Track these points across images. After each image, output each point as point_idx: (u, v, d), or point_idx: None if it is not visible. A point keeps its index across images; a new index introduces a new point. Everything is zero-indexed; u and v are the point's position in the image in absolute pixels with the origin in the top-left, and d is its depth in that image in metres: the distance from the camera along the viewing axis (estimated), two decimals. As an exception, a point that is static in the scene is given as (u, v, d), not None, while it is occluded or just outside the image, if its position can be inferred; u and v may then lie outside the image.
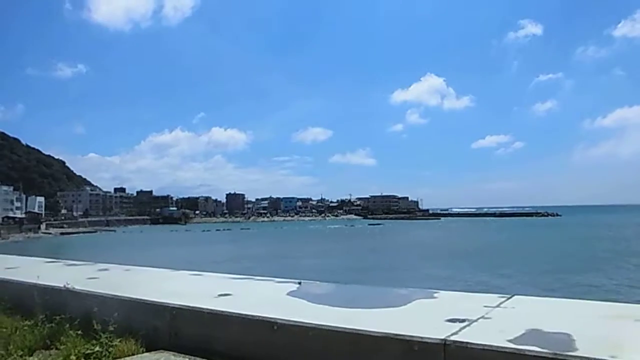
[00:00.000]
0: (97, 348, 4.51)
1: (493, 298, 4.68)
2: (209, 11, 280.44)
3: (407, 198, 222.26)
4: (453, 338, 3.36)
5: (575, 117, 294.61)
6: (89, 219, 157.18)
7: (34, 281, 6.10)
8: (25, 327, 5.30)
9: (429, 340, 3.37)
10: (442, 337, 3.36)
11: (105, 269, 7.81)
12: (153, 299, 5.10)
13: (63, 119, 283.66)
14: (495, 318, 3.92)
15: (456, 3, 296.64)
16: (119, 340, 4.60)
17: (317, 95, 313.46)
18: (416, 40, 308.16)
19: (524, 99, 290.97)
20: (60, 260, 9.59)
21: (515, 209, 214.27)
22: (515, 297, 4.73)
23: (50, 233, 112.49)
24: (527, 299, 4.72)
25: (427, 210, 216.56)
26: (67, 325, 4.94)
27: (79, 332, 4.77)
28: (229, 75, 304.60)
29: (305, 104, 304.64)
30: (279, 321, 4.07)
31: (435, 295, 5.00)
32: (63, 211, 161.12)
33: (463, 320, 3.80)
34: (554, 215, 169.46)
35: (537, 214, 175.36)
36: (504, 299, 4.60)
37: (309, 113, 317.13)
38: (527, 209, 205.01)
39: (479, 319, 3.88)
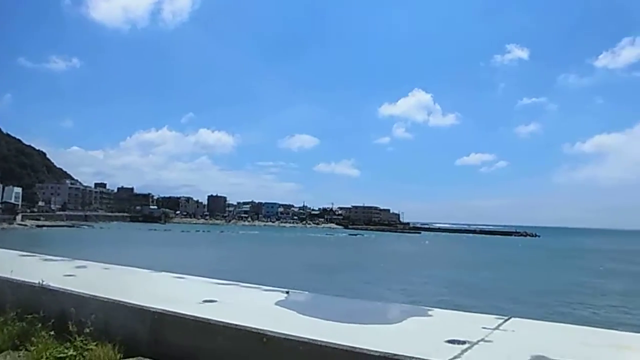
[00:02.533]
0: (71, 352, 4.23)
1: (490, 319, 4.50)
2: (206, 15, 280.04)
3: (389, 210, 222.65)
4: (456, 362, 3.17)
5: (557, 140, 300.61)
6: (67, 212, 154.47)
7: (7, 276, 5.77)
8: (-6, 325, 4.96)
9: (431, 363, 3.16)
10: (445, 361, 3.17)
11: (83, 266, 7.48)
12: (134, 301, 4.78)
13: (51, 112, 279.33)
14: (497, 341, 3.73)
15: (447, 23, 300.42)
16: (95, 344, 4.30)
17: (307, 103, 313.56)
18: (406, 56, 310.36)
19: (508, 120, 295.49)
20: (35, 254, 9.20)
21: (495, 227, 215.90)
22: (513, 319, 4.56)
23: (26, 225, 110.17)
24: (526, 322, 4.55)
25: (408, 223, 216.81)
26: (40, 325, 4.64)
27: (52, 333, 4.47)
28: (220, 77, 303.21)
29: (294, 111, 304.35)
30: (268, 333, 3.81)
31: (430, 313, 4.81)
32: (40, 203, 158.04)
33: (463, 342, 3.60)
34: (532, 236, 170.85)
35: (516, 234, 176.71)
36: (501, 321, 4.42)
37: (297, 120, 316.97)
38: (506, 227, 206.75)
39: (479, 341, 3.68)
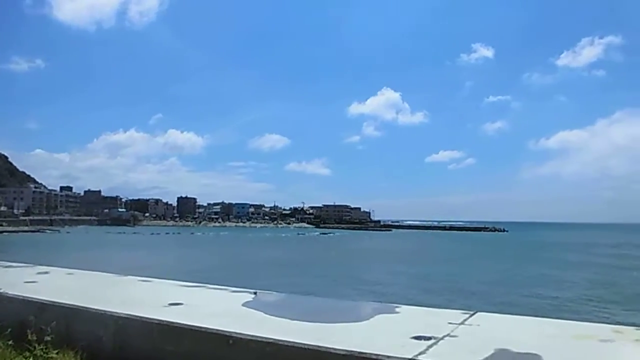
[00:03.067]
0: (31, 360, 4.10)
1: (456, 314, 4.54)
2: (174, 15, 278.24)
3: (360, 208, 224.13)
4: (421, 358, 3.18)
5: (522, 137, 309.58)
6: (31, 217, 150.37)
7: (-37, 285, 5.56)
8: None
9: (396, 360, 3.17)
10: (410, 357, 3.17)
11: (46, 272, 7.26)
12: (97, 306, 4.66)
13: (13, 113, 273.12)
14: (462, 336, 3.77)
15: (414, 23, 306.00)
16: (56, 352, 4.16)
17: (277, 103, 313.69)
18: (375, 55, 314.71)
19: (476, 117, 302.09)
20: (-5, 261, 8.90)
21: (465, 223, 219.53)
22: (479, 313, 4.61)
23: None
24: (491, 316, 4.61)
25: (379, 221, 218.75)
26: (-3, 335, 4.48)
27: (10, 342, 4.32)
28: (189, 78, 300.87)
29: (264, 111, 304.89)
30: (234, 335, 3.77)
31: (397, 309, 4.83)
32: (2, 208, 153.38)
33: (429, 338, 3.62)
34: (501, 231, 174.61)
35: (485, 229, 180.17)
36: (467, 316, 4.46)
37: (268, 120, 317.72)
38: (475, 223, 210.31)
39: (445, 336, 3.71)
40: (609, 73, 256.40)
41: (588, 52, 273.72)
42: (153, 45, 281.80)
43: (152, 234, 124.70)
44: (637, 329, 3.93)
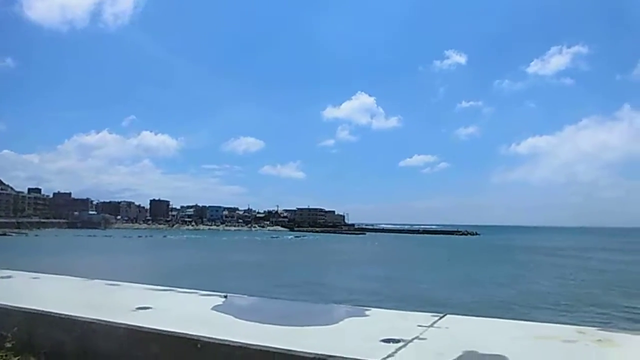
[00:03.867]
0: (-10, 368, 3.97)
1: (426, 317, 4.58)
2: (148, 17, 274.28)
3: (334, 212, 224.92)
4: (390, 360, 3.19)
5: (494, 142, 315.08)
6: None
7: None
8: None
9: (365, 363, 3.17)
10: (379, 360, 3.19)
11: (8, 276, 7.05)
12: (61, 311, 4.54)
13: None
14: (430, 339, 3.80)
15: (388, 29, 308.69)
16: (16, 358, 4.06)
17: (252, 106, 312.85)
18: (350, 60, 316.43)
19: (449, 122, 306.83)
20: (-44, 265, 8.62)
21: (438, 226, 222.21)
22: (448, 316, 4.66)
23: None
24: (460, 319, 4.66)
25: (353, 224, 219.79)
26: (-45, 341, 4.33)
27: (-32, 349, 4.19)
28: (163, 80, 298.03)
29: (239, 114, 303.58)
30: (203, 339, 3.72)
31: (367, 313, 4.84)
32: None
33: (398, 341, 3.64)
34: (472, 234, 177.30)
35: (457, 232, 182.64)
36: (437, 318, 4.51)
37: (242, 123, 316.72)
38: (448, 227, 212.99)
39: (413, 339, 3.74)
40: (577, 81, 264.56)
41: (557, 60, 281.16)
42: (127, 47, 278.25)
43: (124, 237, 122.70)
44: (599, 330, 4.04)
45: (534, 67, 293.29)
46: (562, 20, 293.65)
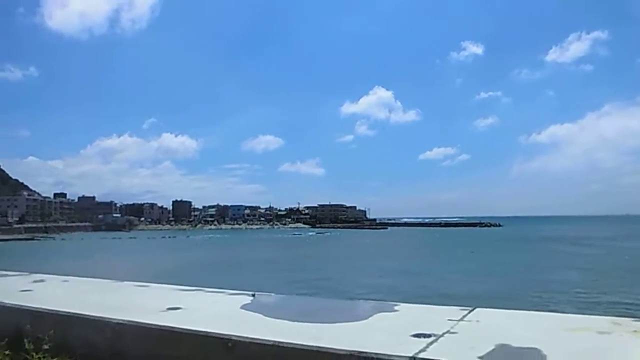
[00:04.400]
0: (29, 369, 4.06)
1: (455, 311, 4.53)
2: (165, 20, 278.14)
3: (355, 207, 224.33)
4: (422, 355, 3.16)
5: (513, 132, 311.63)
6: (26, 225, 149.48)
7: (-42, 294, 5.51)
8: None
9: (396, 358, 3.16)
10: (411, 355, 3.16)
11: (41, 280, 7.20)
12: (93, 313, 4.62)
13: (6, 121, 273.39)
14: (461, 333, 3.77)
15: (404, 22, 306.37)
16: (54, 360, 4.15)
17: (270, 104, 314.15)
18: (366, 55, 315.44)
19: (467, 114, 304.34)
20: (-11, 270, 8.83)
21: (459, 219, 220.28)
22: (477, 309, 4.60)
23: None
24: (490, 312, 4.60)
25: (375, 219, 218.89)
26: (-6, 345, 4.44)
27: (7, 352, 4.28)
28: (182, 82, 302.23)
29: (257, 112, 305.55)
30: (233, 338, 3.74)
31: (396, 308, 4.81)
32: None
33: (429, 336, 3.61)
34: (496, 226, 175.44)
35: (480, 224, 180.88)
36: (466, 312, 4.46)
37: (261, 121, 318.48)
38: (471, 219, 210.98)
39: (444, 333, 3.70)
40: (597, 67, 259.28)
41: (576, 47, 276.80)
42: (145, 50, 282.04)
43: (148, 238, 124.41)
44: (635, 320, 3.94)
45: (553, 55, 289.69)
46: (580, 6, 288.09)
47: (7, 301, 5.15)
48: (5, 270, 8.75)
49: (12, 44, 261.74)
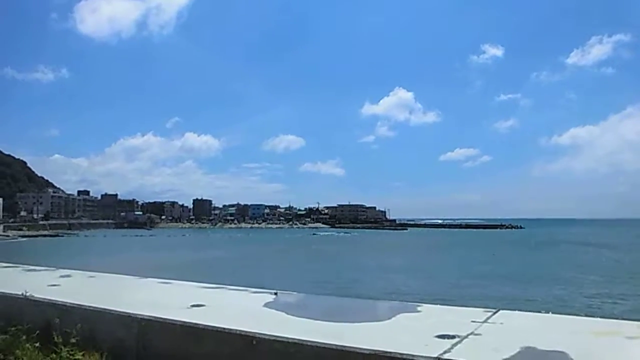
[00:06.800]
0: (57, 363, 4.16)
1: (479, 312, 4.51)
2: (190, 21, 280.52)
3: (375, 208, 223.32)
4: (447, 356, 3.16)
5: (534, 134, 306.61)
6: (50, 221, 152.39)
7: (-11, 288, 5.66)
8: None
9: (421, 359, 3.15)
10: (435, 356, 3.16)
11: (68, 275, 7.36)
12: (119, 308, 4.71)
13: (36, 121, 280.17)
14: (486, 334, 3.75)
15: (425, 24, 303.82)
16: (81, 353, 4.23)
17: (291, 104, 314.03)
18: (386, 56, 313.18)
19: (488, 116, 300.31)
20: (18, 265, 9.04)
21: (481, 220, 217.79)
22: (501, 311, 4.57)
23: (8, 235, 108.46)
24: (514, 314, 4.57)
25: (395, 220, 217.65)
26: (24, 337, 4.53)
27: (37, 344, 4.39)
28: (205, 82, 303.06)
29: (278, 112, 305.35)
30: (257, 335, 3.78)
31: (419, 308, 4.81)
32: (22, 213, 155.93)
33: (453, 337, 3.60)
34: (517, 228, 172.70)
35: (501, 226, 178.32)
36: (490, 314, 4.43)
37: (283, 121, 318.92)
38: (492, 221, 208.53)
39: (469, 335, 3.69)
40: (619, 70, 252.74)
41: (597, 50, 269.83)
42: (171, 52, 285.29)
43: (169, 236, 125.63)
44: (664, 325, 3.87)
45: (574, 58, 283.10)
46: (602, 9, 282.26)
47: (36, 295, 5.27)
48: (33, 265, 8.97)
49: (45, 46, 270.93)
